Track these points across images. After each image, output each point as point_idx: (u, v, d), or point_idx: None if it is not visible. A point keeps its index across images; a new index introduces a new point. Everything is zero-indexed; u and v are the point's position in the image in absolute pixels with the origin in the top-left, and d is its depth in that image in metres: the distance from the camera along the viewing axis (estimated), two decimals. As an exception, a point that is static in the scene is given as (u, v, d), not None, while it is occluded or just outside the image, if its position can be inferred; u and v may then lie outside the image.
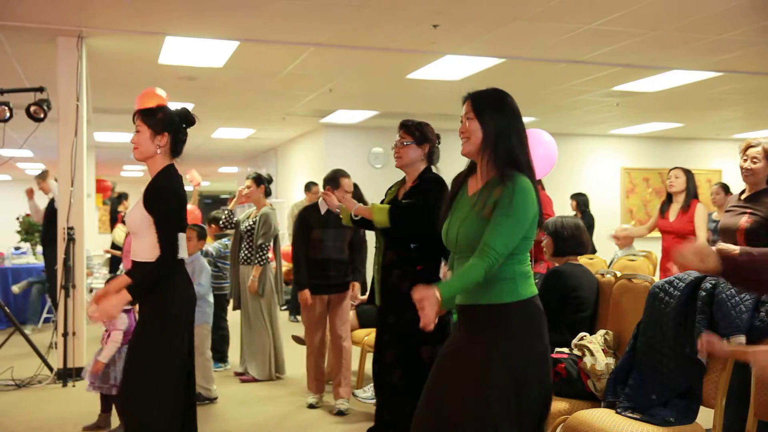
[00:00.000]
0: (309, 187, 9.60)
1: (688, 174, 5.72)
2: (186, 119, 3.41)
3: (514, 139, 2.50)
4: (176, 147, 3.36)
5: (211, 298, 5.43)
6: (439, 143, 3.92)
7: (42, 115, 6.01)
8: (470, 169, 2.64)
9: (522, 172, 2.46)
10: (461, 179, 2.66)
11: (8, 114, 6.03)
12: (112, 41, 6.37)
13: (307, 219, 5.22)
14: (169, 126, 3.32)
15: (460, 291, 2.47)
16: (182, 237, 3.32)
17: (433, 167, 3.88)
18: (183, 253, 3.32)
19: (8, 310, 6.39)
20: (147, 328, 3.26)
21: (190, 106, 9.38)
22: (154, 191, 3.27)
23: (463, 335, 2.55)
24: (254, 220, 6.01)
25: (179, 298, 3.28)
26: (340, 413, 4.98)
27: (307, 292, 5.09)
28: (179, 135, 3.37)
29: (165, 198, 3.25)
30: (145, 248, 3.24)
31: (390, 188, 4.09)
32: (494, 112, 2.51)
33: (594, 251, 7.64)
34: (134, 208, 3.32)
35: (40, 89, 5.99)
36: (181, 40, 6.29)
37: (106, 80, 7.70)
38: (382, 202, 3.99)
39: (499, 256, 2.39)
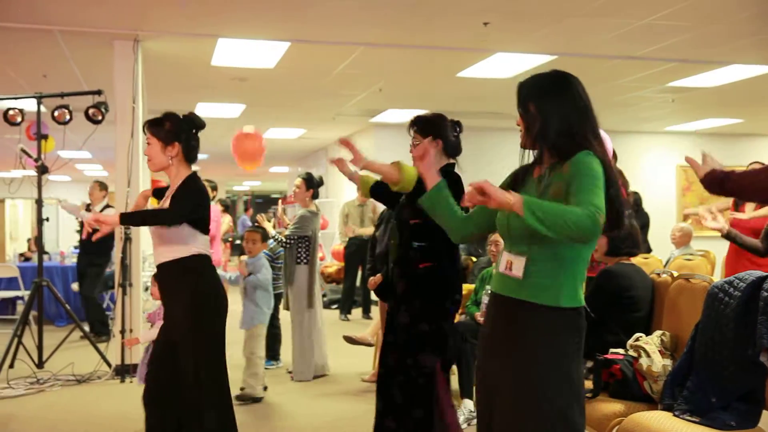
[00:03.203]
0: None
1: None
2: (194, 124, 3.40)
3: (564, 120, 2.26)
4: (189, 154, 3.37)
5: (271, 299, 5.49)
6: (457, 133, 3.60)
7: (100, 118, 6.16)
8: (536, 160, 2.42)
9: (589, 150, 2.22)
10: (526, 168, 2.43)
11: (68, 117, 6.22)
12: (166, 44, 6.50)
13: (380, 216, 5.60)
14: (178, 135, 3.33)
15: (547, 216, 2.02)
16: (206, 240, 3.37)
17: (454, 161, 3.57)
18: (206, 249, 3.37)
19: (69, 308, 6.57)
20: (181, 326, 3.30)
21: (241, 107, 9.59)
22: (179, 189, 3.33)
23: (501, 333, 2.32)
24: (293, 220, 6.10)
25: (211, 297, 3.34)
26: None
27: (372, 278, 5.25)
28: (190, 142, 3.37)
29: (185, 192, 3.31)
30: (172, 247, 3.29)
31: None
32: (539, 100, 2.30)
33: (649, 250, 7.48)
34: None
35: (98, 92, 6.15)
36: (233, 41, 6.38)
37: (161, 82, 7.85)
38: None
39: (598, 210, 2.03)
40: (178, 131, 3.33)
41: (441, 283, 3.50)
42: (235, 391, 5.33)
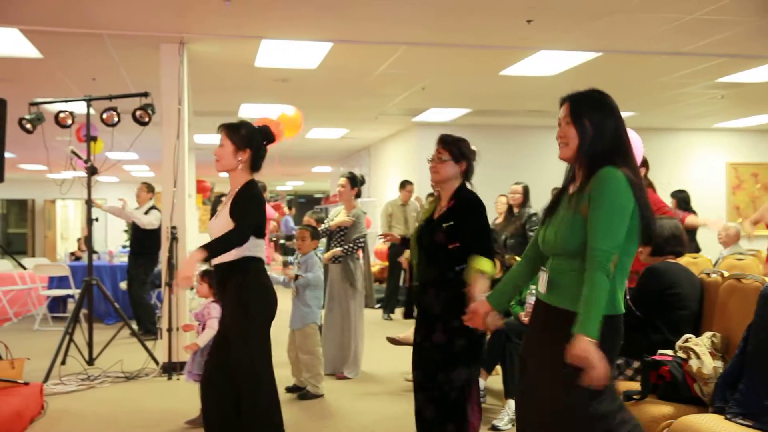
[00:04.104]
0: (404, 185, 9.64)
1: None
2: (267, 137, 3.59)
3: (611, 139, 2.43)
4: (256, 163, 3.56)
5: (321, 298, 5.56)
6: (474, 160, 3.80)
7: (147, 119, 6.26)
8: (572, 177, 2.57)
9: (614, 166, 2.37)
10: (563, 186, 2.61)
11: (116, 119, 6.33)
12: (211, 46, 6.58)
13: None
14: (251, 142, 3.51)
15: (599, 316, 2.26)
16: (261, 243, 3.52)
17: (467, 184, 3.75)
18: (261, 254, 3.54)
19: (117, 306, 6.70)
20: (231, 320, 3.50)
21: (284, 108, 9.64)
22: (238, 198, 3.48)
23: (541, 337, 2.51)
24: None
25: (258, 292, 3.50)
26: None
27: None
28: (260, 152, 3.56)
29: (246, 202, 3.47)
30: (226, 257, 3.45)
31: (425, 207, 4.01)
32: (593, 116, 2.44)
33: (698, 250, 7.34)
34: (218, 217, 3.52)
35: (145, 94, 6.25)
36: (276, 43, 6.44)
37: (206, 84, 7.97)
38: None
39: (607, 253, 2.28)
40: (252, 138, 3.52)
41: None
42: (280, 387, 5.43)
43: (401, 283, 9.90)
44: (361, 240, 6.04)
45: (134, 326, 7.30)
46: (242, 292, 3.47)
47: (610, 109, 2.47)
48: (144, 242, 8.13)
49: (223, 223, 3.46)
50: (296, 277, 5.39)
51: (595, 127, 2.42)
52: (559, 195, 2.61)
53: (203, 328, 4.60)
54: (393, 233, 5.55)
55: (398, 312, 9.85)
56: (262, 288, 3.53)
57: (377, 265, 11.48)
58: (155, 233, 7.89)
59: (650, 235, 2.43)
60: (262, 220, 3.57)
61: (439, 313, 3.63)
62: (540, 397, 2.43)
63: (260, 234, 3.54)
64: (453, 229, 3.59)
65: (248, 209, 3.48)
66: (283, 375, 5.70)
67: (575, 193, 2.47)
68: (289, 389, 5.51)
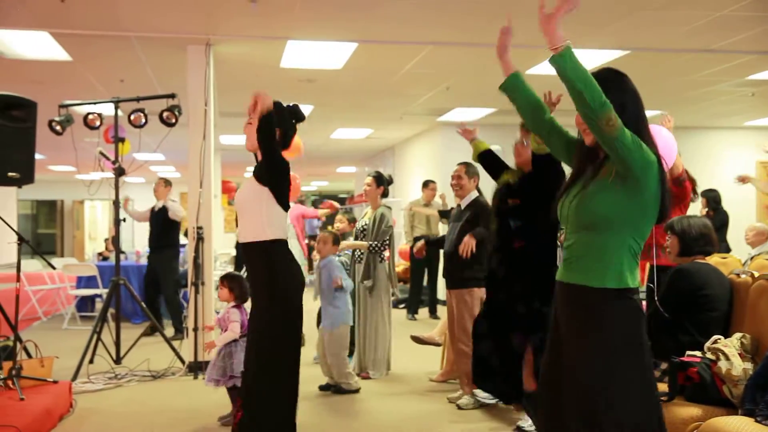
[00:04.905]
0: (426, 184, 9.62)
1: None
2: (296, 115, 3.63)
3: (634, 120, 2.39)
4: (285, 141, 3.57)
5: (349, 298, 5.54)
6: None
7: (174, 120, 6.31)
8: (588, 155, 2.55)
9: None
10: (578, 166, 2.59)
11: (143, 120, 6.40)
12: (237, 48, 6.62)
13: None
14: (280, 121, 3.52)
15: (575, 66, 2.37)
16: (283, 215, 3.49)
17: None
18: (283, 233, 3.49)
19: (144, 306, 6.77)
20: (263, 319, 3.46)
21: (309, 108, 9.68)
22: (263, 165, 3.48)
23: (561, 318, 2.51)
24: (369, 219, 6.06)
25: (286, 279, 3.46)
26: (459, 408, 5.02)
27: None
28: (289, 130, 3.59)
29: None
30: (253, 226, 3.43)
31: (507, 172, 4.28)
32: (615, 98, 2.34)
33: (728, 250, 7.23)
34: (244, 187, 3.52)
35: (172, 96, 6.31)
36: (301, 43, 6.46)
37: (232, 85, 8.01)
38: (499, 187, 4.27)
39: (611, 110, 2.26)
40: (281, 117, 3.54)
41: (537, 266, 3.79)
42: (312, 386, 5.43)
43: (425, 282, 9.89)
44: (388, 240, 6.02)
45: (171, 327, 7.36)
46: (272, 274, 3.43)
47: (627, 86, 2.47)
48: (168, 234, 8.21)
49: (251, 189, 3.43)
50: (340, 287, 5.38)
51: (618, 109, 2.34)
52: (579, 169, 2.58)
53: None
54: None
55: (422, 312, 9.84)
56: (290, 270, 3.49)
57: (401, 265, 11.48)
58: (173, 226, 8.00)
59: (664, 215, 2.43)
60: (287, 187, 3.53)
61: (502, 277, 3.94)
62: (567, 371, 2.42)
63: (284, 203, 3.50)
64: (516, 187, 3.97)
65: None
66: (316, 373, 5.72)
67: (597, 163, 2.47)
68: (322, 387, 5.54)
